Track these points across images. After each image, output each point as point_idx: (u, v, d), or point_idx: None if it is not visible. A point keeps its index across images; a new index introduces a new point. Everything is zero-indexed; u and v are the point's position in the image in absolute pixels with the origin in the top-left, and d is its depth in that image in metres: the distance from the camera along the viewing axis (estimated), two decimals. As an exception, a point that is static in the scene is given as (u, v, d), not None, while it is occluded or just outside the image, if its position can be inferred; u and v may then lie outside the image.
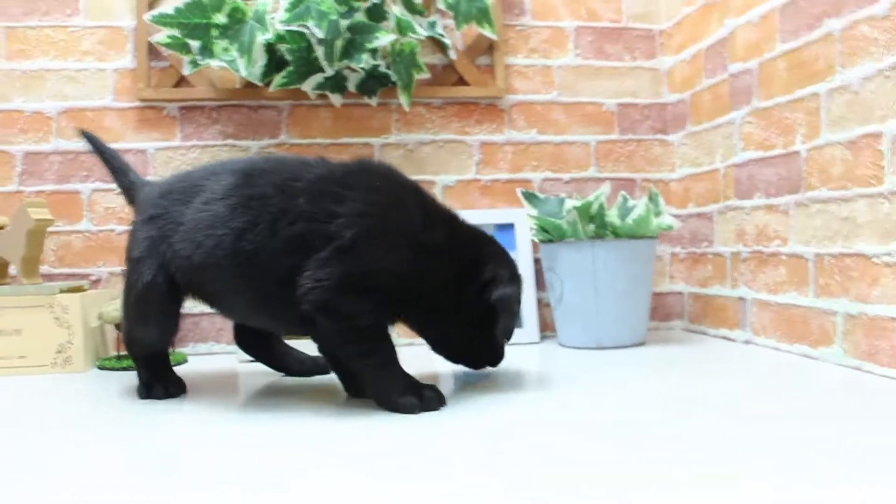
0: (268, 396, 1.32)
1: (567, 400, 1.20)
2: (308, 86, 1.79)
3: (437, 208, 1.28)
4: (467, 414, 1.12)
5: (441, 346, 1.33)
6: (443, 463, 0.87)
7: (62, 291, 1.63)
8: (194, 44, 1.70)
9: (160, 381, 1.33)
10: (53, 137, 1.84)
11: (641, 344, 1.76)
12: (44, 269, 1.80)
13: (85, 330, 1.63)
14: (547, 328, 1.94)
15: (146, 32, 1.83)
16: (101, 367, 1.65)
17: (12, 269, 1.77)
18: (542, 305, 1.94)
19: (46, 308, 1.61)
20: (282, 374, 1.52)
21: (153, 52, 1.85)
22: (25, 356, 1.61)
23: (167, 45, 1.74)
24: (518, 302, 1.26)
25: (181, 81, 1.85)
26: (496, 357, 1.35)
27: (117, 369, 1.62)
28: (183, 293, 1.30)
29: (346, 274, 1.13)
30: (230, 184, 1.24)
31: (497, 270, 1.24)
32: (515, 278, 1.26)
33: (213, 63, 1.71)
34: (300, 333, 1.35)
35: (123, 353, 1.68)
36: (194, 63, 1.75)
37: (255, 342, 1.50)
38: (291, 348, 1.52)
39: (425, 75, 1.85)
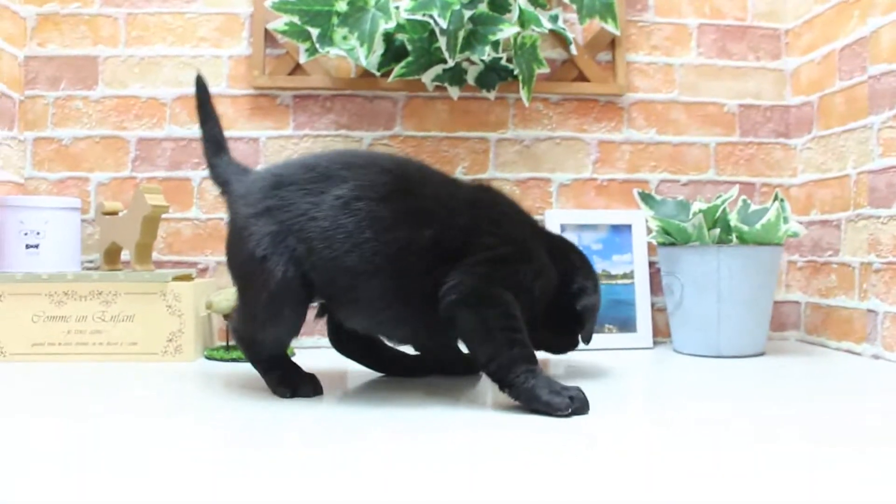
0: (377, 391, 1.29)
1: (707, 411, 1.14)
2: (427, 77, 1.75)
3: (542, 229, 1.41)
4: (606, 420, 1.07)
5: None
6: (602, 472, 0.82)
7: (173, 279, 1.61)
8: (313, 31, 1.66)
9: (303, 380, 1.26)
10: (167, 124, 1.82)
11: (761, 354, 1.69)
12: (153, 255, 1.78)
13: (196, 319, 1.61)
14: (658, 333, 1.87)
15: (263, 19, 1.81)
16: (210, 358, 1.62)
17: (124, 255, 1.76)
18: (654, 310, 1.87)
19: (159, 296, 1.59)
20: (383, 374, 1.45)
21: (269, 39, 1.82)
22: (137, 343, 1.59)
23: (284, 33, 1.71)
24: (598, 310, 1.41)
25: (296, 70, 1.82)
26: (574, 345, 1.44)
27: (226, 360, 1.60)
28: (312, 290, 1.21)
29: (497, 275, 1.18)
30: (386, 186, 1.20)
31: (584, 283, 1.36)
32: (597, 288, 1.39)
33: (332, 51, 1.67)
34: (425, 342, 1.39)
35: (232, 343, 1.66)
36: (311, 51, 1.72)
37: (356, 344, 1.43)
38: (393, 349, 1.45)
39: (545, 70, 1.79)
